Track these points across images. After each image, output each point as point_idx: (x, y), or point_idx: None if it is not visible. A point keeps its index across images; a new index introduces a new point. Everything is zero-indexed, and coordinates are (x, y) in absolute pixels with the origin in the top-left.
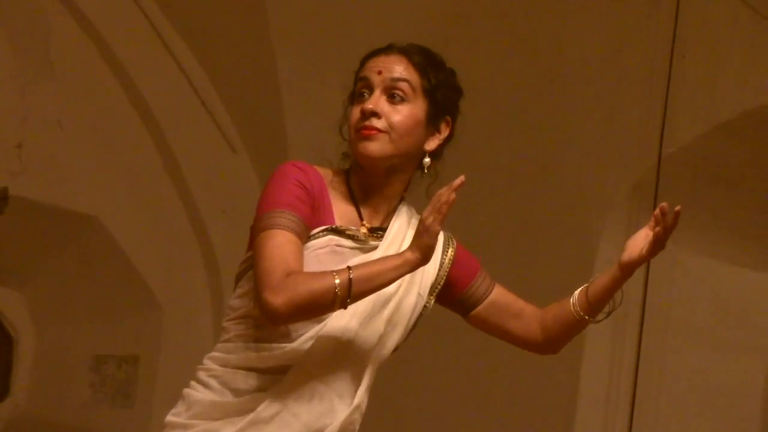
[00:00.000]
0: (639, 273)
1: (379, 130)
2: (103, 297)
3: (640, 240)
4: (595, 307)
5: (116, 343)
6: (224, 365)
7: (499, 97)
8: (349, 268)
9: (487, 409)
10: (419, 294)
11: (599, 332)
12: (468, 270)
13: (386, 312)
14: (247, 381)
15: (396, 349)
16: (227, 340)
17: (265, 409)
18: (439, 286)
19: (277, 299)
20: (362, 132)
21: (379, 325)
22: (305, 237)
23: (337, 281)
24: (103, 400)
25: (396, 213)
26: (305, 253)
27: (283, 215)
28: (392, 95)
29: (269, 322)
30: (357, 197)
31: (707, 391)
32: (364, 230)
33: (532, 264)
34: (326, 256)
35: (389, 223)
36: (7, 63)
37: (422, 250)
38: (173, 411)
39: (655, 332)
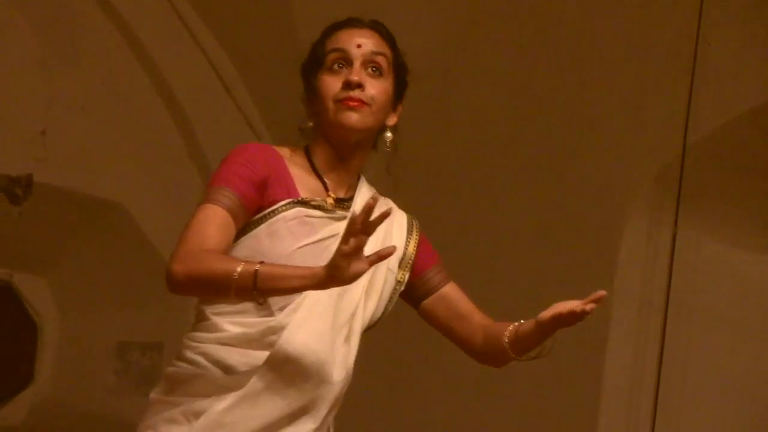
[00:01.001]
0: (663, 261)
1: (363, 102)
2: (127, 283)
3: (564, 306)
4: (520, 347)
5: (141, 330)
6: (212, 342)
7: (523, 86)
8: (261, 262)
9: (512, 397)
10: (388, 269)
11: (624, 320)
12: (426, 257)
13: (362, 282)
14: (235, 357)
15: (377, 322)
16: (206, 319)
17: (255, 383)
18: (410, 262)
19: (177, 267)
20: (347, 102)
21: (355, 294)
22: (242, 212)
23: (239, 270)
24: (127, 387)
25: (359, 185)
26: (278, 225)
27: (219, 191)
28: (372, 68)
29: (167, 287)
30: (321, 170)
31: (731, 378)
32: (330, 201)
33: (556, 253)
34: (297, 226)
35: (353, 195)
36: (31, 49)
37: (332, 269)
38: (156, 390)
39: (679, 320)
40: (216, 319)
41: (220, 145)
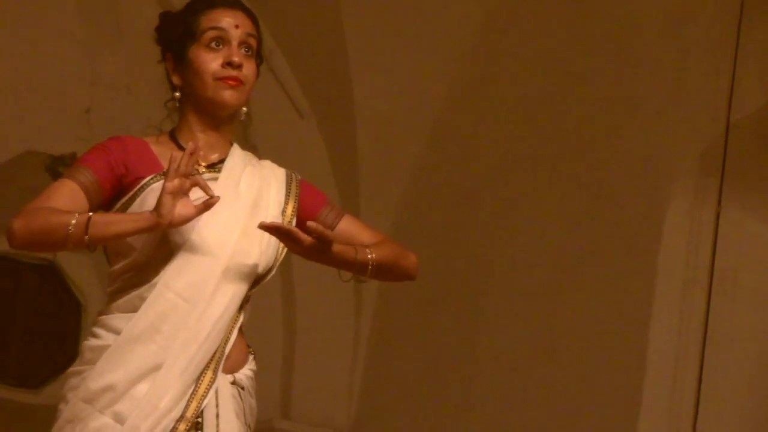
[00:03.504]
0: (707, 239)
1: (240, 81)
2: None
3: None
4: None
5: None
6: (108, 313)
7: (567, 67)
8: (92, 213)
9: (555, 376)
10: (272, 216)
11: (667, 298)
12: (313, 203)
13: (238, 224)
14: (124, 323)
15: (267, 273)
16: (111, 301)
17: (131, 329)
18: (294, 213)
19: (16, 222)
20: (226, 81)
21: (231, 236)
22: (96, 188)
23: (74, 221)
24: None
25: (232, 149)
26: (148, 198)
27: (75, 169)
28: (245, 49)
29: (9, 244)
30: (189, 140)
31: None
32: (202, 168)
33: (600, 231)
34: None
35: (225, 159)
36: (75, 29)
37: (158, 207)
38: (72, 365)
39: (722, 298)
40: (117, 298)
41: (262, 124)
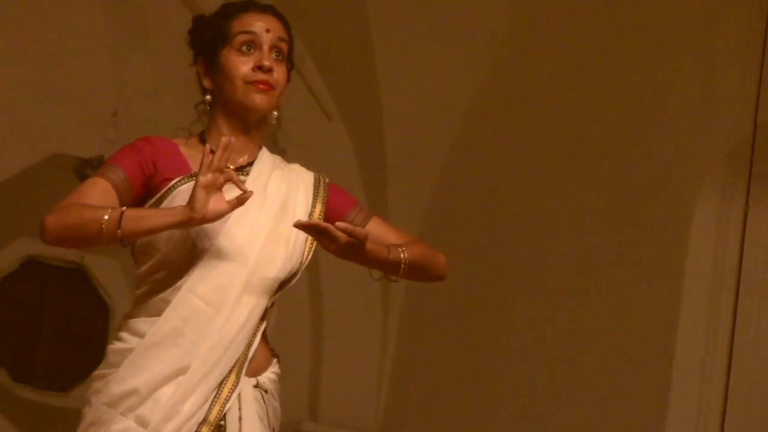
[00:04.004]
0: (735, 239)
1: (271, 86)
2: None
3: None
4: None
5: None
6: (134, 316)
7: (593, 66)
8: (126, 207)
9: (584, 374)
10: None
11: (695, 298)
12: (341, 205)
13: (265, 228)
14: (149, 326)
15: (292, 278)
16: (137, 303)
17: (154, 333)
18: (321, 216)
19: (49, 217)
20: (257, 85)
21: (257, 239)
22: (128, 186)
23: (106, 216)
24: None
25: (260, 153)
26: (176, 200)
27: (107, 167)
28: (276, 53)
29: (42, 239)
30: (219, 144)
31: None
32: (230, 168)
33: (627, 232)
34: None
35: (254, 161)
36: (103, 32)
37: (191, 202)
38: (97, 368)
39: (750, 298)
40: (143, 301)
41: (290, 127)
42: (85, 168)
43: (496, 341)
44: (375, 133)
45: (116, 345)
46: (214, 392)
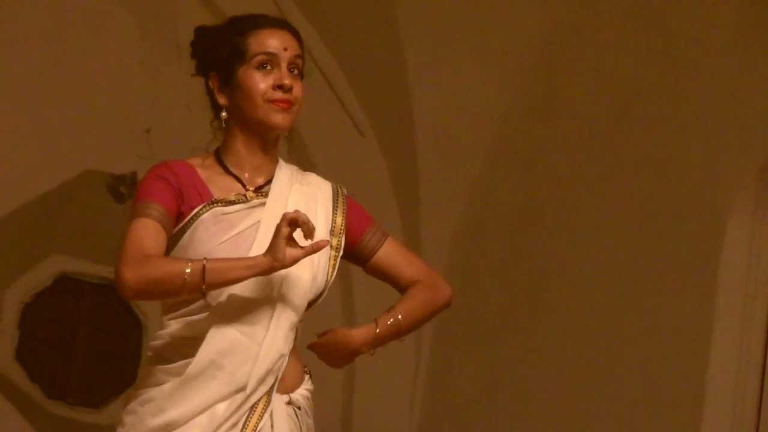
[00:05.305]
0: (767, 254)
1: (291, 104)
2: None
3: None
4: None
5: None
6: (161, 339)
7: (626, 80)
8: (205, 259)
9: (614, 389)
10: (320, 237)
11: (728, 314)
12: (359, 222)
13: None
14: (178, 351)
15: (319, 297)
16: (169, 337)
17: (192, 369)
18: (342, 229)
19: (129, 272)
20: (278, 103)
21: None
22: (170, 220)
23: (188, 270)
24: None
25: (277, 169)
26: (198, 230)
27: (145, 205)
28: (294, 70)
29: (121, 294)
30: (237, 165)
31: None
32: (250, 193)
33: (660, 246)
34: (214, 226)
35: (272, 179)
36: (136, 48)
37: (271, 250)
38: (131, 388)
39: None
40: (170, 325)
41: (322, 141)
42: (118, 185)
43: (528, 355)
44: (407, 147)
45: (146, 367)
46: (246, 414)
